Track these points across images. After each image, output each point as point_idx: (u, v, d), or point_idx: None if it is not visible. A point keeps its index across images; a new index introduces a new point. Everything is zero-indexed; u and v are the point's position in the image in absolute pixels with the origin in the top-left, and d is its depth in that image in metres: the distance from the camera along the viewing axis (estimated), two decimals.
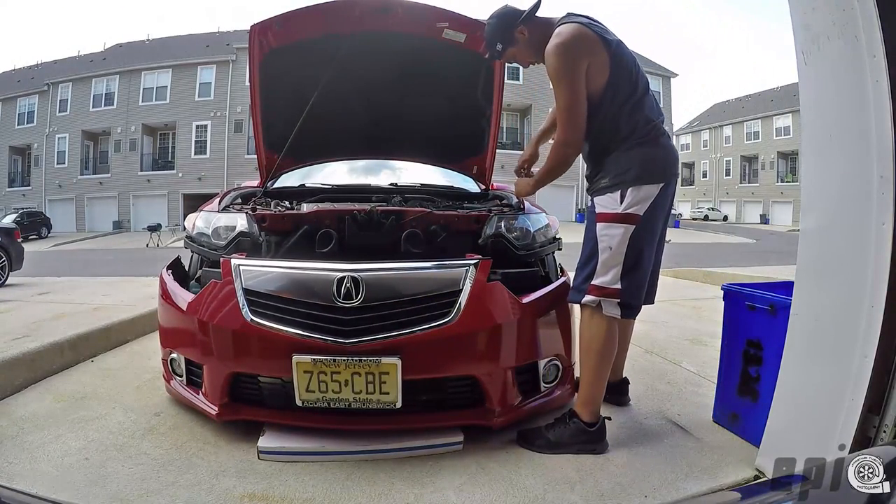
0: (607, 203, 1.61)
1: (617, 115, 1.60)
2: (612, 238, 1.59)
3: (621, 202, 1.58)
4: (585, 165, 1.76)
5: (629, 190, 1.57)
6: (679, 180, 1.75)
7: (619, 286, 1.59)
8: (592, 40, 1.57)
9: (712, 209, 35.32)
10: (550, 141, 1.86)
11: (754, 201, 34.05)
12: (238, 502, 1.37)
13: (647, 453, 1.64)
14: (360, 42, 2.23)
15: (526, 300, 1.71)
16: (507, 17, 1.70)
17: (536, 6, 1.70)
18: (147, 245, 16.16)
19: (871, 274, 1.22)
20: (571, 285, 1.72)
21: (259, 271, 1.63)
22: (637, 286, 1.63)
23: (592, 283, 1.62)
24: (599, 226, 1.62)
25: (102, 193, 25.41)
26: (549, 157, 1.71)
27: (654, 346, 2.87)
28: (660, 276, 1.89)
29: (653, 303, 1.90)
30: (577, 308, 1.84)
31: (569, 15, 1.64)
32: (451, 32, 2.22)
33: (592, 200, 1.67)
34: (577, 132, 1.60)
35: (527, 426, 1.71)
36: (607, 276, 1.60)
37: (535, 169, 2.00)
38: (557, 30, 1.60)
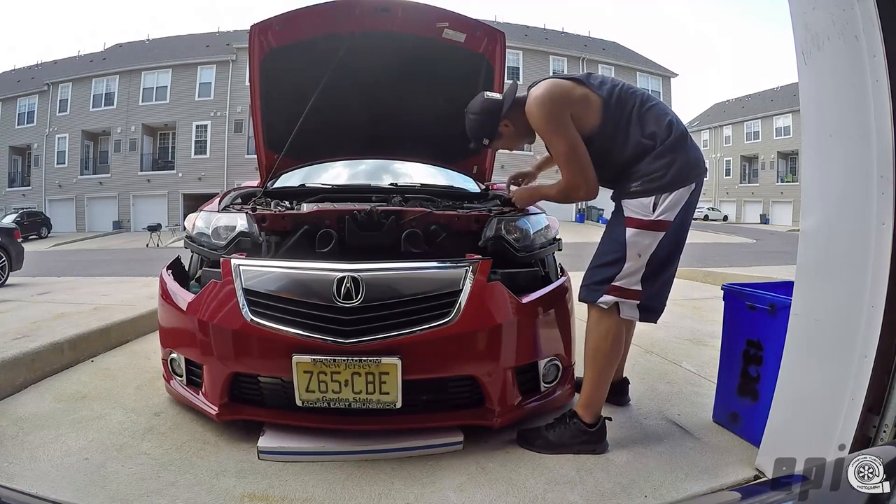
0: (638, 209, 1.57)
1: (629, 130, 1.58)
2: (644, 246, 1.57)
3: (654, 209, 1.55)
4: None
5: (662, 195, 1.55)
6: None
7: (639, 287, 1.59)
8: (567, 85, 1.60)
9: (712, 209, 35.27)
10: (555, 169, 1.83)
11: (754, 201, 34.04)
12: (238, 502, 1.37)
13: (648, 453, 1.64)
14: (360, 42, 2.23)
15: (526, 300, 1.70)
16: (488, 113, 1.68)
17: (513, 90, 1.70)
18: (147, 245, 16.17)
19: (871, 274, 1.22)
20: (583, 283, 1.68)
21: (259, 271, 1.63)
22: (659, 290, 1.64)
23: (613, 283, 1.60)
24: (630, 231, 1.58)
25: (102, 193, 25.41)
26: (559, 191, 1.67)
27: (654, 346, 2.87)
28: None
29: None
30: (578, 308, 1.83)
31: (536, 82, 1.66)
32: (450, 32, 2.22)
33: (620, 203, 1.63)
34: (585, 172, 1.58)
35: (527, 426, 1.72)
36: (630, 279, 1.59)
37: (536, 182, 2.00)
38: (531, 91, 1.63)
